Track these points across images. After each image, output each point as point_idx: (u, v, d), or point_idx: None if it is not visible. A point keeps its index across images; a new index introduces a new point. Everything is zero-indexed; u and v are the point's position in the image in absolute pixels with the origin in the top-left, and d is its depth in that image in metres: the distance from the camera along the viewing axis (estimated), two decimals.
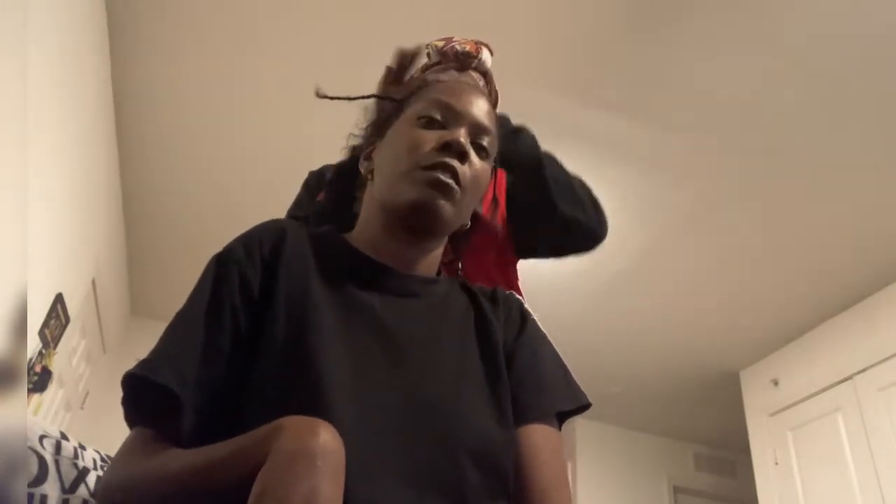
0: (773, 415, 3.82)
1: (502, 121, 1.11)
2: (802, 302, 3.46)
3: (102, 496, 0.63)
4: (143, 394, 0.65)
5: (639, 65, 2.36)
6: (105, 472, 0.64)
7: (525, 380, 0.77)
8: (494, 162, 0.89)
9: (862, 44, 2.20)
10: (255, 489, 0.49)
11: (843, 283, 3.30)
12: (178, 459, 0.59)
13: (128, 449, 0.65)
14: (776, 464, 3.69)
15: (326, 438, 0.52)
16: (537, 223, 1.17)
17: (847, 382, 3.37)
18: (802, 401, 3.63)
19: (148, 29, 2.43)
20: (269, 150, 2.91)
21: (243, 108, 2.70)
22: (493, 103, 1.28)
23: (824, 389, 3.50)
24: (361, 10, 2.27)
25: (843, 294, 3.39)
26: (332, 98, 0.91)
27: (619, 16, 2.21)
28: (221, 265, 0.74)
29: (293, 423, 0.53)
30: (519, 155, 1.12)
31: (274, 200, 3.06)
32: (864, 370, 3.29)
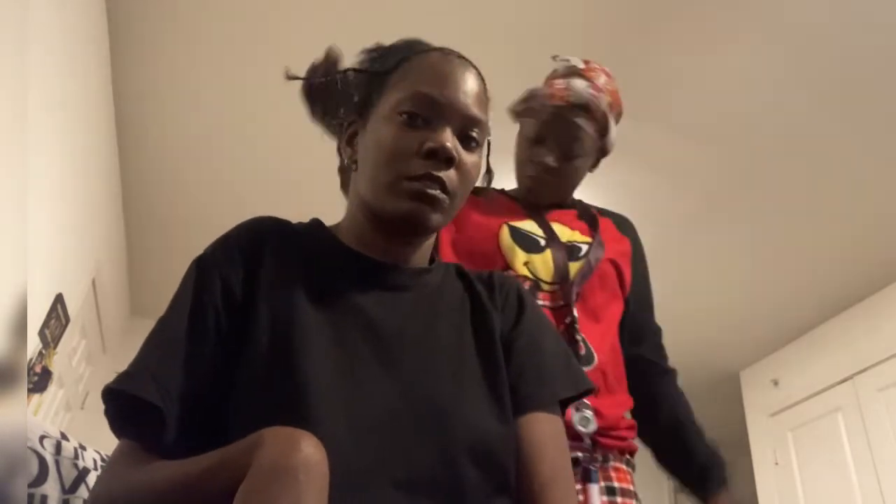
0: (773, 415, 3.82)
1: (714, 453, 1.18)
2: (802, 302, 3.46)
3: None
4: (125, 407, 0.63)
5: (645, 67, 2.36)
6: (94, 485, 0.64)
7: (525, 368, 0.75)
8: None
9: (869, 47, 2.19)
10: (236, 503, 0.48)
11: (843, 283, 3.30)
12: (161, 472, 0.59)
13: (114, 461, 0.64)
14: (776, 464, 3.69)
15: (309, 451, 0.50)
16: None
17: (847, 382, 3.37)
18: (802, 401, 3.63)
19: (148, 28, 2.43)
20: (270, 149, 2.90)
21: (244, 106, 2.70)
22: (601, 129, 1.24)
23: (824, 389, 3.50)
24: (367, 7, 2.27)
25: (843, 294, 3.38)
26: (301, 79, 0.84)
27: (626, 17, 2.21)
28: (202, 269, 0.71)
29: (274, 435, 0.52)
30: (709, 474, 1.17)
31: (274, 199, 3.06)
32: (864, 370, 3.29)
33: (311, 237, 0.78)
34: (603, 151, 1.30)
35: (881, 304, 3.30)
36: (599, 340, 1.14)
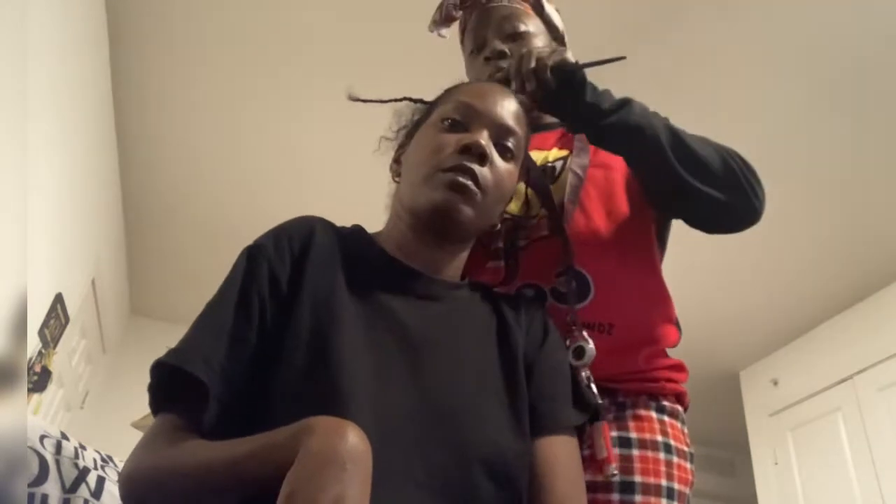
0: (773, 415, 3.82)
1: (601, 97, 0.95)
2: (802, 302, 3.46)
3: (126, 481, 0.63)
4: (172, 382, 0.66)
5: (642, 66, 2.36)
6: (130, 458, 0.65)
7: (544, 390, 0.77)
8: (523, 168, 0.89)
9: (863, 44, 2.19)
10: (284, 490, 0.49)
11: (843, 283, 3.30)
12: (204, 451, 0.60)
13: (153, 435, 0.65)
14: (776, 464, 3.69)
15: (355, 441, 0.52)
16: (672, 201, 0.98)
17: (847, 382, 3.37)
18: (802, 401, 3.63)
19: (148, 28, 2.43)
20: (270, 150, 2.90)
21: (244, 108, 2.70)
22: (544, 21, 1.22)
23: (824, 389, 3.50)
24: (367, 15, 2.27)
25: (843, 294, 3.38)
26: (364, 101, 0.92)
27: (624, 19, 2.21)
28: (252, 259, 0.75)
29: (322, 424, 0.53)
30: (625, 128, 0.92)
31: (274, 200, 3.06)
32: (864, 370, 3.29)
33: (354, 240, 0.82)
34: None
35: (881, 304, 3.30)
36: (598, 264, 0.94)
